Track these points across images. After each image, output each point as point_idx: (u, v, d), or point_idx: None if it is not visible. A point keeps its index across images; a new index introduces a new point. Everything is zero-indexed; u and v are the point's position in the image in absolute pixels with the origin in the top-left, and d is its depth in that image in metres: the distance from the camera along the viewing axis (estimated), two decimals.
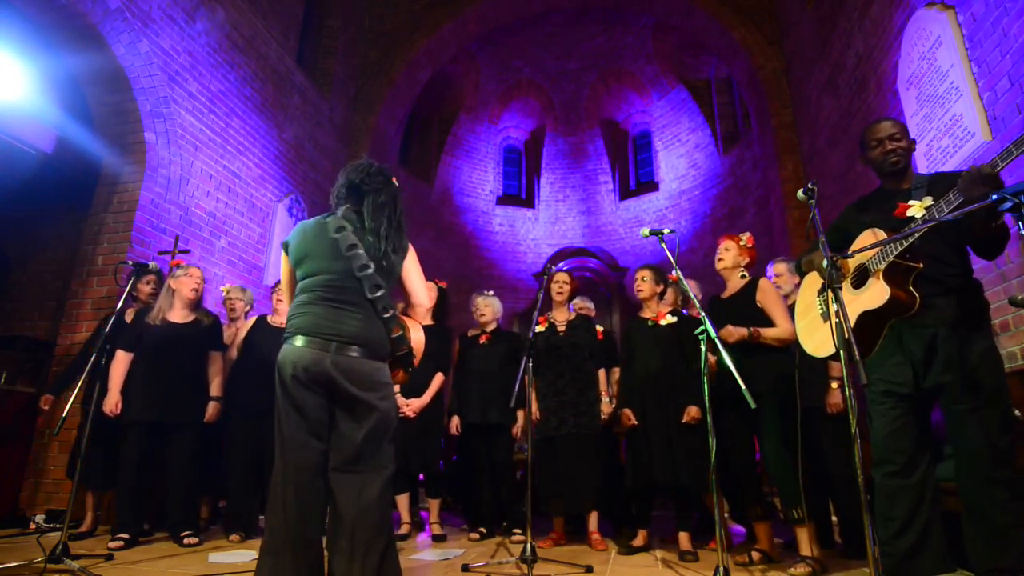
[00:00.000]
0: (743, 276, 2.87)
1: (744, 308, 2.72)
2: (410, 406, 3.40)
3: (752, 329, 2.59)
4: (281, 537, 1.65)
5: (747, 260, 2.91)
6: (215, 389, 3.36)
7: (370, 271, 1.80)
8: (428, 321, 3.68)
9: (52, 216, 5.48)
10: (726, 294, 2.90)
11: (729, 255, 2.88)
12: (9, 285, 5.56)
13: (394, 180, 2.02)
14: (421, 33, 7.40)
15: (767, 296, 2.70)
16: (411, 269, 1.96)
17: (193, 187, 4.62)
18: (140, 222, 4.14)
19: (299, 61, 6.26)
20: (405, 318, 1.95)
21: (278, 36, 5.81)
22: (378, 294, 1.80)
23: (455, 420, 3.61)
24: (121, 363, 3.16)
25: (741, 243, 2.90)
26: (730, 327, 2.60)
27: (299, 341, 1.75)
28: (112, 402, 3.08)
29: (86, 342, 3.67)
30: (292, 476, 1.69)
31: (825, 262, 1.67)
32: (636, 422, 3.06)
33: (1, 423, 3.71)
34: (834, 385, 2.91)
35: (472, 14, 7.48)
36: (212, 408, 3.32)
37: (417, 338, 1.94)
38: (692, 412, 2.91)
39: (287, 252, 1.94)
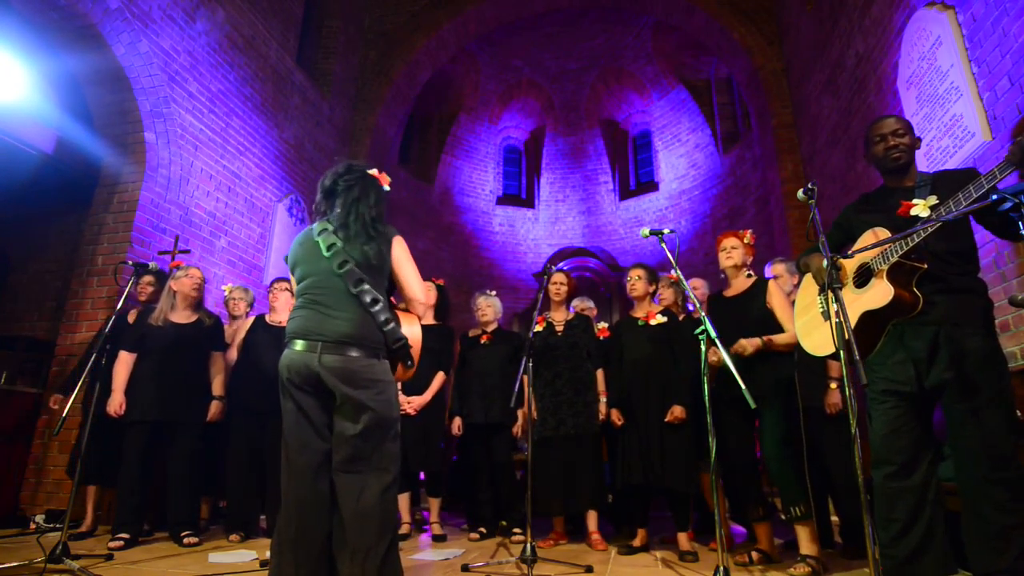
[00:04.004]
0: (748, 275, 2.86)
1: (751, 309, 2.69)
2: (411, 403, 3.41)
3: (765, 339, 2.56)
4: (284, 537, 1.67)
5: (751, 258, 2.90)
6: (217, 388, 3.38)
7: (349, 266, 1.78)
8: (429, 319, 3.68)
9: (52, 216, 5.47)
10: (730, 293, 2.86)
11: (737, 253, 2.85)
12: (9, 285, 5.55)
13: (372, 173, 1.97)
14: (421, 33, 7.39)
15: (776, 300, 2.68)
16: (399, 259, 1.89)
17: (193, 187, 4.62)
18: (140, 222, 4.14)
19: (299, 61, 6.25)
20: (400, 312, 1.89)
21: (278, 36, 5.80)
22: (362, 288, 1.76)
23: (457, 420, 3.61)
24: (124, 364, 3.17)
25: (745, 240, 2.88)
26: (743, 341, 2.57)
27: (295, 345, 1.76)
28: (116, 403, 3.10)
29: (90, 341, 3.66)
30: (294, 477, 1.70)
31: (825, 262, 1.65)
32: (623, 421, 3.06)
33: (1, 423, 3.71)
34: (833, 385, 2.90)
35: (472, 14, 7.48)
36: (215, 407, 3.34)
37: (411, 331, 1.86)
38: (676, 412, 2.91)
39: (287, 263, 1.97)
